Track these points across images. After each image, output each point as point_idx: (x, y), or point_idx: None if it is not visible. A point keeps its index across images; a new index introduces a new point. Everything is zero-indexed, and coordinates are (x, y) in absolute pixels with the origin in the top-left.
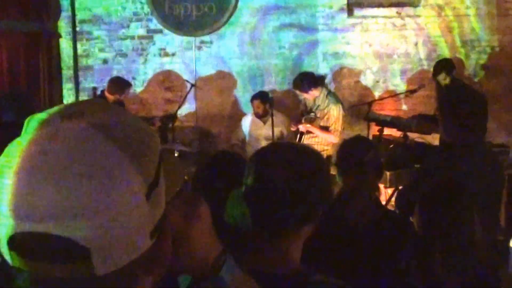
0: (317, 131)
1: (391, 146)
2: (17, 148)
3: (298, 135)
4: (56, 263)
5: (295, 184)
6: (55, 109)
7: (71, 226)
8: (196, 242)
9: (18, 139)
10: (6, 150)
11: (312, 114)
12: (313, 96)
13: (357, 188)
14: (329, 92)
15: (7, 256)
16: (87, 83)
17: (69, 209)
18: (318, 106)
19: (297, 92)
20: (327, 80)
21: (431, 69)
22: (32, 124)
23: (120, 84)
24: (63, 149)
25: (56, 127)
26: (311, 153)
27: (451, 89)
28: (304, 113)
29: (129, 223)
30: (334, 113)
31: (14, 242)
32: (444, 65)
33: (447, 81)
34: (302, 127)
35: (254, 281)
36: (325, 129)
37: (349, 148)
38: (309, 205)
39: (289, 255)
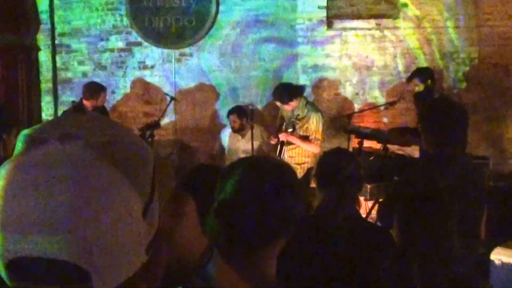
0: (297, 141)
1: (371, 158)
2: (11, 166)
3: (279, 146)
4: (56, 286)
5: (268, 198)
6: (49, 125)
7: (68, 245)
8: (183, 239)
9: (12, 158)
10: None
11: (293, 121)
12: (292, 107)
13: (338, 200)
14: (308, 102)
15: (5, 278)
16: (66, 96)
17: (68, 229)
18: (298, 115)
19: (277, 103)
20: (306, 93)
21: None
22: (25, 142)
23: (93, 89)
24: (60, 172)
25: (53, 148)
26: (281, 166)
27: (432, 100)
28: (281, 125)
29: (127, 243)
30: (314, 122)
31: (11, 265)
32: (418, 72)
33: (420, 88)
34: (282, 136)
35: (238, 275)
36: (305, 138)
37: (330, 161)
38: (282, 219)
39: (263, 270)
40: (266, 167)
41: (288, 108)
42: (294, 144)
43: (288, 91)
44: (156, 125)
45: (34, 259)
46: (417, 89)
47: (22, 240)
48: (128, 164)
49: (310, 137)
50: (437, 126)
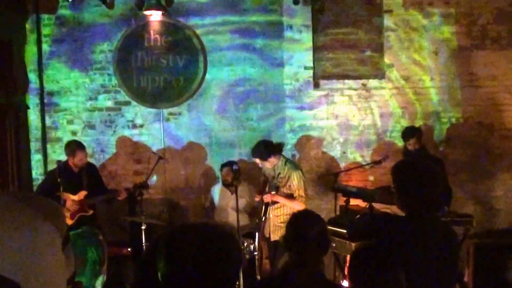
0: (282, 200)
1: (357, 216)
2: None
3: (263, 206)
4: None
5: (204, 267)
6: None
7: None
8: None
9: None
10: None
11: (276, 182)
12: (272, 164)
13: (302, 262)
14: (287, 160)
15: None
16: (56, 155)
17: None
18: (279, 174)
19: (257, 160)
20: (294, 152)
21: (395, 141)
22: None
23: (70, 147)
24: None
25: None
26: (219, 233)
27: (400, 161)
28: (265, 182)
29: (51, 266)
30: (296, 180)
31: None
32: (414, 131)
33: (417, 146)
34: (267, 198)
35: None
36: (290, 196)
37: (295, 224)
38: (218, 285)
39: None
40: (199, 237)
41: (268, 165)
42: (279, 203)
43: (266, 148)
44: (144, 185)
45: None
46: (414, 147)
47: None
48: (44, 209)
49: (294, 195)
50: (403, 188)
